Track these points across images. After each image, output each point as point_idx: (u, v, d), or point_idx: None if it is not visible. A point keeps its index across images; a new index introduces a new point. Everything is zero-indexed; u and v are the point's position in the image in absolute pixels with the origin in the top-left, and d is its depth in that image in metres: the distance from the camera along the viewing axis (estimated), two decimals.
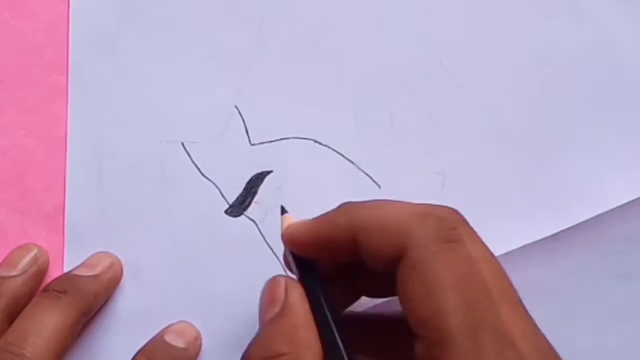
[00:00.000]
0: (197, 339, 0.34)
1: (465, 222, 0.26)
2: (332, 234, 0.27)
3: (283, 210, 0.30)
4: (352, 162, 0.36)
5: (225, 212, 0.35)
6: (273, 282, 0.28)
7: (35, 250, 0.34)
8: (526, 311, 0.24)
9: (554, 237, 0.34)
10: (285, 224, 0.29)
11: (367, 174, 0.36)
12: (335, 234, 0.27)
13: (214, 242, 0.35)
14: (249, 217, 0.35)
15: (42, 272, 0.34)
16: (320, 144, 0.36)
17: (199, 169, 0.36)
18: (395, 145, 0.36)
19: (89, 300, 0.33)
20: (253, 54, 0.37)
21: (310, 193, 0.35)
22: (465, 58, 0.37)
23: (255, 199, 0.35)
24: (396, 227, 0.25)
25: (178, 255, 0.35)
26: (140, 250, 0.35)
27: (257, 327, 0.27)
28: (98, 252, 0.35)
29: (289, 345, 0.25)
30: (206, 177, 0.36)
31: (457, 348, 0.23)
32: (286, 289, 0.27)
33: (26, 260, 0.33)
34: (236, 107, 0.36)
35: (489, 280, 0.24)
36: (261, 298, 0.28)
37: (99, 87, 0.36)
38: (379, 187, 0.36)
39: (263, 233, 0.35)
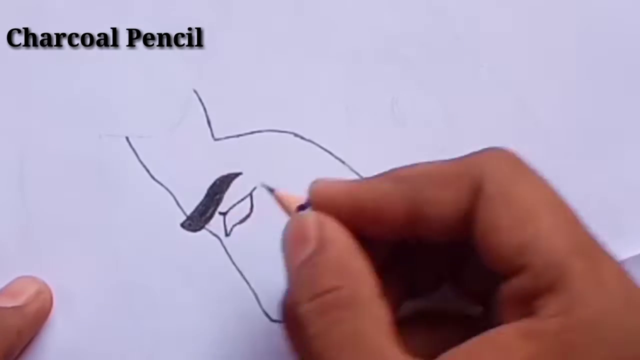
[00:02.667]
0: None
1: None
2: (378, 202, 0.26)
3: (270, 190, 0.29)
4: (343, 162, 0.35)
5: (182, 225, 0.34)
6: (297, 220, 0.27)
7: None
8: None
9: None
10: (285, 202, 0.28)
11: (361, 177, 0.34)
12: (383, 203, 0.26)
13: (167, 263, 0.34)
14: (211, 232, 0.34)
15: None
16: (302, 138, 0.35)
17: (148, 170, 0.35)
18: (397, 140, 0.35)
19: (11, 338, 0.32)
20: (216, 23, 0.36)
21: None
22: (487, 29, 0.36)
23: (220, 208, 0.34)
24: (465, 171, 0.26)
25: (121, 280, 0.34)
26: (74, 274, 0.34)
27: None
28: (21, 277, 0.34)
29: (342, 278, 0.25)
30: (157, 181, 0.35)
31: (572, 267, 0.23)
32: (319, 224, 0.26)
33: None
34: (195, 91, 0.35)
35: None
36: (284, 241, 0.27)
37: (19, 70, 0.36)
38: None
39: (229, 251, 0.34)
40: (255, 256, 0.33)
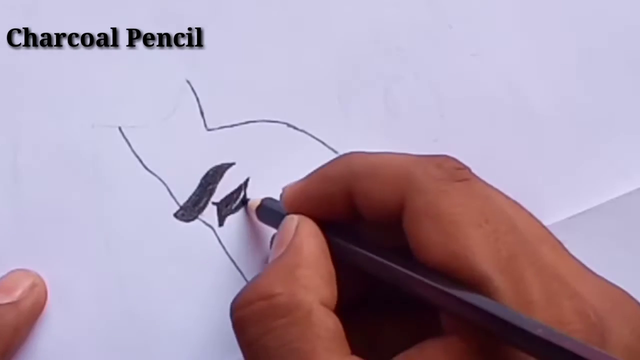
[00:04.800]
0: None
1: (470, 170, 0.26)
2: (325, 188, 0.28)
3: (245, 200, 0.33)
4: (336, 152, 0.35)
5: (175, 215, 0.34)
6: (285, 222, 0.28)
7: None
8: (572, 255, 0.25)
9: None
10: (254, 207, 0.32)
11: None
12: (329, 188, 0.28)
13: (161, 253, 0.34)
14: (204, 222, 0.34)
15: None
16: (295, 128, 0.35)
17: (141, 160, 0.34)
18: (390, 129, 0.35)
19: (8, 335, 0.31)
20: (208, 12, 0.36)
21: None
22: (480, 18, 0.36)
23: (213, 198, 0.34)
24: (394, 173, 0.26)
25: (116, 271, 0.34)
26: (68, 266, 0.33)
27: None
28: (14, 271, 0.33)
29: (284, 285, 0.25)
30: (150, 171, 0.34)
31: (492, 284, 0.23)
32: (297, 228, 0.27)
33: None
34: (188, 81, 0.35)
35: (514, 217, 0.25)
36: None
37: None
38: None
39: (222, 241, 0.34)
40: (249, 246, 0.33)
